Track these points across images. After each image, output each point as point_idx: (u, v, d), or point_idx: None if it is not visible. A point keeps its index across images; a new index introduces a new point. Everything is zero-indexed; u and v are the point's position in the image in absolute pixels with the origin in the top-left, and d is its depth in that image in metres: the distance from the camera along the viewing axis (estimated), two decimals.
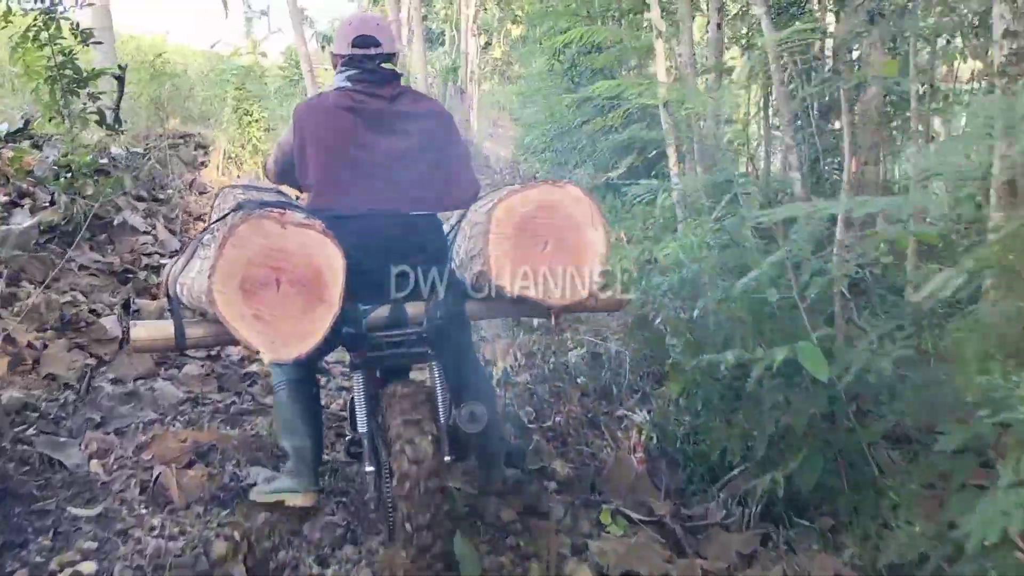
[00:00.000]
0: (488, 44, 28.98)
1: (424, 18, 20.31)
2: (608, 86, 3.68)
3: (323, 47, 26.52)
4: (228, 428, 3.29)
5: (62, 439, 2.78)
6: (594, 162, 7.94)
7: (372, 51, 2.56)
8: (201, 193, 6.88)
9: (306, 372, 2.60)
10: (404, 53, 16.14)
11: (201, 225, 6.16)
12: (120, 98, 7.34)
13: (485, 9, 27.62)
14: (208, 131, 8.65)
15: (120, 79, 7.24)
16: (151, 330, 2.18)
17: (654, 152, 6.28)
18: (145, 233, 5.44)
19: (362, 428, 2.27)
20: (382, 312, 2.29)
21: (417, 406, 2.12)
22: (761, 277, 2.54)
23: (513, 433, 3.53)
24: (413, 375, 2.51)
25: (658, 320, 4.41)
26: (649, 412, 3.90)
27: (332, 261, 1.99)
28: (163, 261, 5.01)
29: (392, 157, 2.46)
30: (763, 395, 2.88)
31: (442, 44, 27.66)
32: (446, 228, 2.66)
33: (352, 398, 2.34)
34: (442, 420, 2.25)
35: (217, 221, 2.25)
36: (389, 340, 2.26)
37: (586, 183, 7.87)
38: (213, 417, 3.37)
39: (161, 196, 6.26)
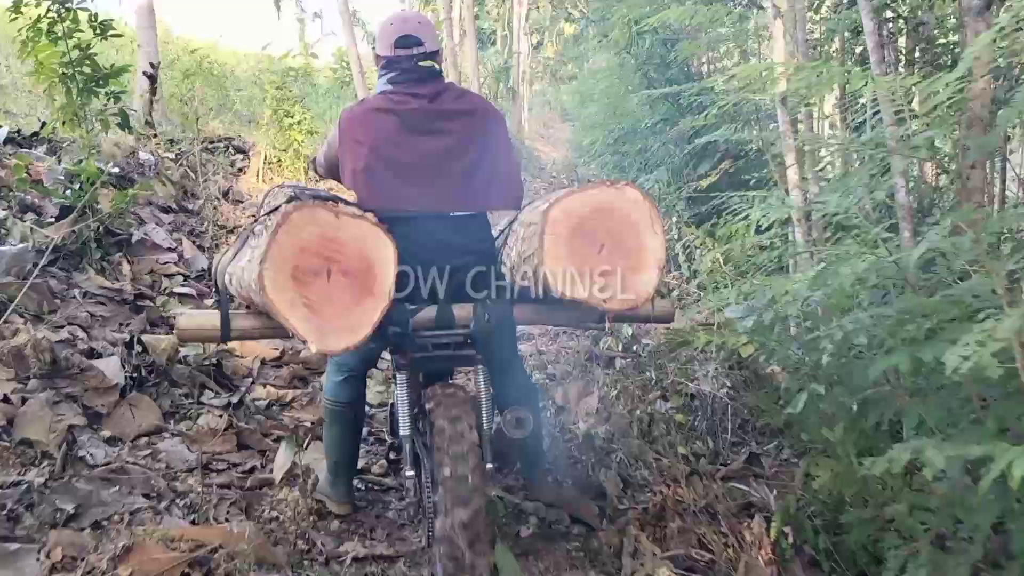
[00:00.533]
0: (540, 44, 28.30)
1: (476, 17, 19.72)
2: (750, 68, 2.88)
3: (374, 48, 26.13)
4: (240, 512, 2.60)
5: (14, 546, 2.09)
6: (669, 167, 7.13)
7: (415, 51, 2.50)
8: (237, 203, 6.26)
9: (356, 395, 2.64)
10: (456, 53, 15.51)
11: (234, 239, 5.55)
12: (152, 99, 6.80)
13: (538, 8, 26.97)
14: (252, 135, 8.09)
15: (152, 78, 6.68)
16: (197, 320, 2.22)
17: (746, 157, 5.47)
18: (169, 250, 4.82)
19: (404, 431, 2.27)
20: (429, 313, 2.25)
21: (461, 408, 2.08)
22: (987, 344, 1.73)
23: (601, 515, 2.80)
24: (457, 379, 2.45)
25: (771, 364, 3.62)
26: (768, 484, 3.12)
27: (384, 252, 1.98)
28: (180, 289, 4.36)
29: (433, 157, 2.42)
30: (961, 498, 2.08)
31: (493, 44, 27.08)
32: (495, 231, 2.56)
33: (393, 403, 2.36)
34: (485, 426, 2.26)
35: (269, 214, 2.17)
36: (436, 341, 2.24)
37: (660, 193, 7.08)
38: (223, 497, 2.68)
39: (191, 207, 5.65)
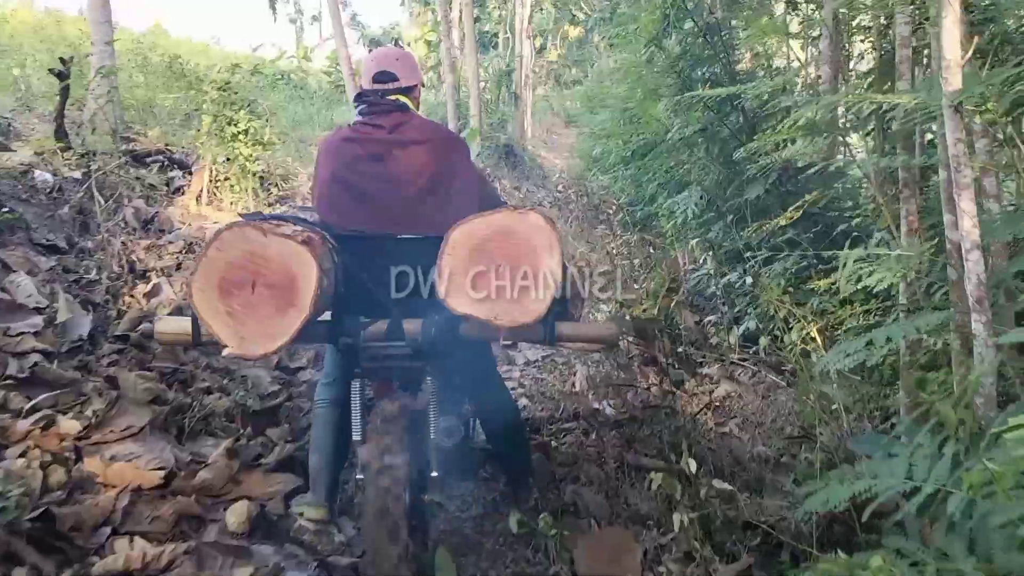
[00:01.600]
0: (543, 48, 27.05)
1: (476, 19, 18.53)
2: None
3: (370, 50, 25.05)
4: None
5: None
6: (702, 189, 5.79)
7: (390, 85, 2.74)
8: (160, 234, 4.91)
9: (343, 395, 2.67)
10: (455, 56, 14.40)
11: (142, 287, 4.20)
12: (63, 104, 5.45)
13: (541, 10, 25.74)
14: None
15: (61, 76, 5.34)
16: (172, 325, 2.42)
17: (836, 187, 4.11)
18: (36, 311, 3.47)
19: (356, 437, 2.43)
20: (380, 326, 2.41)
21: (392, 425, 2.28)
22: None
23: None
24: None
25: None
26: None
27: (307, 269, 2.09)
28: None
29: (387, 182, 2.63)
30: None
31: (495, 47, 25.89)
32: None
33: (350, 406, 2.48)
34: (432, 435, 2.46)
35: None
36: (386, 352, 2.40)
37: (692, 222, 5.77)
38: None
39: (88, 244, 4.31)
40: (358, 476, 2.33)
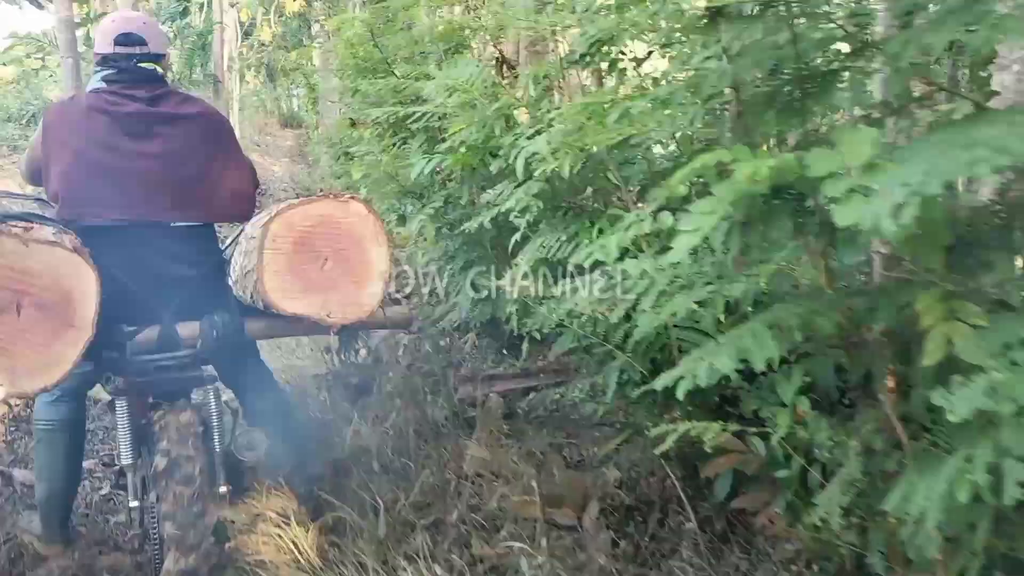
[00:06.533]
0: (252, 25, 21.46)
1: None
2: None
3: (19, 6, 18.05)
4: None
5: None
6: None
7: (137, 50, 2.36)
8: None
9: (74, 414, 2.46)
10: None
11: None
12: None
13: None
14: None
15: None
16: None
17: None
18: None
19: (126, 460, 2.21)
20: (151, 334, 2.17)
21: (188, 435, 2.06)
22: None
23: None
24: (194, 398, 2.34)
25: None
26: None
27: (83, 280, 1.85)
28: None
29: (151, 163, 2.28)
30: None
31: (185, 15, 19.78)
32: (224, 244, 2.54)
33: (117, 426, 2.24)
34: (218, 448, 2.25)
35: None
36: (158, 364, 2.16)
37: None
38: None
39: None
40: (132, 504, 2.21)
